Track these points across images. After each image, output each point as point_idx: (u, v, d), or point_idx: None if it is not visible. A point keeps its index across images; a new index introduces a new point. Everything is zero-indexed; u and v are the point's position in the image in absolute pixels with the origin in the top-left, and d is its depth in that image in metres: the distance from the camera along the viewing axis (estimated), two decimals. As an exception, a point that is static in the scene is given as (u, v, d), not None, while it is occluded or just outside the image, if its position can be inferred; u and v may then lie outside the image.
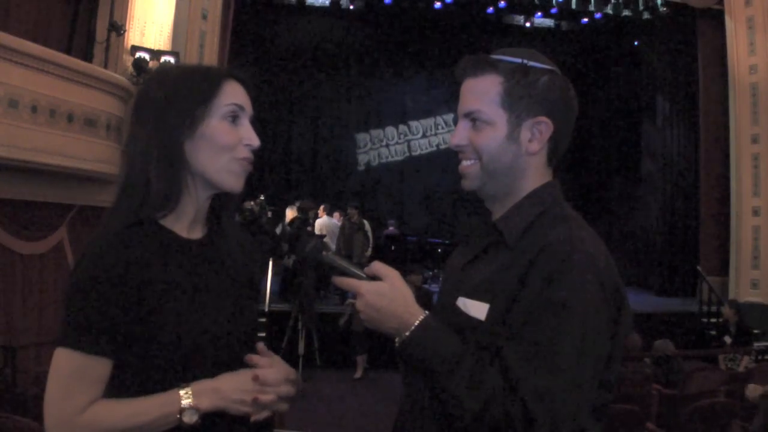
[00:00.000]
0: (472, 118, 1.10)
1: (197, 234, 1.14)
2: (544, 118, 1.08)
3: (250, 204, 5.95)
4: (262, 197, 6.98)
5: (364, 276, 1.07)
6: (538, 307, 0.96)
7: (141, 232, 1.05)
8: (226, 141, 1.09)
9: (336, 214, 9.25)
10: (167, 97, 1.08)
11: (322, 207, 9.10)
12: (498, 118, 1.08)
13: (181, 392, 1.01)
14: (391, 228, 10.26)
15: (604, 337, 0.98)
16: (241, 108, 1.12)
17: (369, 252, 8.39)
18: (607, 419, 1.04)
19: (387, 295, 1.03)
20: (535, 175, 1.12)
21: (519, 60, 1.09)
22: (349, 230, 8.24)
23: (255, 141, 1.12)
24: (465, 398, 0.95)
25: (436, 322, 1.04)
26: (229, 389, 1.03)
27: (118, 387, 1.02)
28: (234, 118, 1.10)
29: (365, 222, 8.45)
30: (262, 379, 1.05)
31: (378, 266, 1.07)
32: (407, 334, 1.02)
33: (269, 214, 6.97)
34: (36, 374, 4.62)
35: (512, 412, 0.93)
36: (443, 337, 1.01)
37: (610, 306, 0.99)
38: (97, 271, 0.99)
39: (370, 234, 8.44)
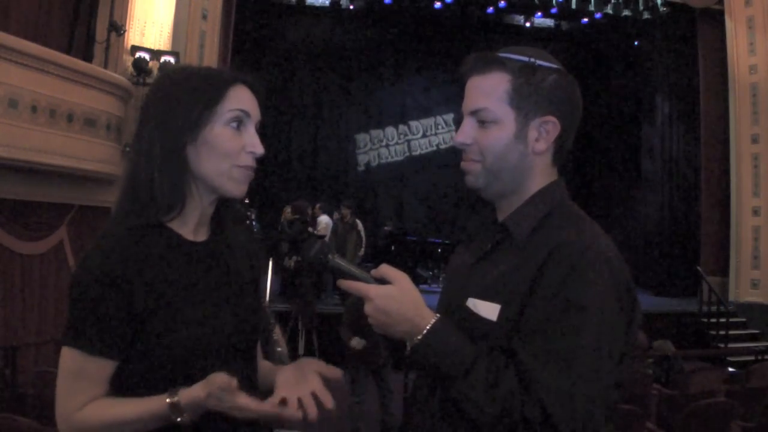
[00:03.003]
0: (479, 116, 1.09)
1: (202, 236, 1.14)
2: (551, 118, 1.07)
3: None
4: (246, 200, 6.97)
5: (372, 279, 1.05)
6: (554, 308, 0.96)
7: (145, 234, 1.05)
8: (228, 147, 1.07)
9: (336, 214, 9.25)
10: (172, 100, 1.07)
11: (318, 206, 9.08)
12: (505, 116, 1.07)
13: (170, 399, 0.97)
14: (387, 228, 10.27)
15: (620, 336, 0.98)
16: (247, 114, 1.10)
17: (362, 252, 8.38)
18: (615, 417, 1.04)
19: (397, 298, 1.02)
20: (541, 174, 1.11)
21: (527, 58, 1.08)
22: (342, 230, 8.23)
23: (259, 149, 1.10)
24: (482, 402, 0.94)
25: (449, 324, 1.02)
26: (219, 405, 0.97)
27: (123, 385, 1.03)
28: (239, 125, 1.09)
29: (358, 222, 8.44)
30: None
31: (386, 269, 1.05)
32: (419, 338, 1.00)
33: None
34: (36, 374, 4.61)
35: (531, 415, 0.92)
36: (456, 340, 1.00)
37: (624, 305, 0.99)
38: (101, 271, 0.99)
39: (363, 234, 8.43)
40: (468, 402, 0.96)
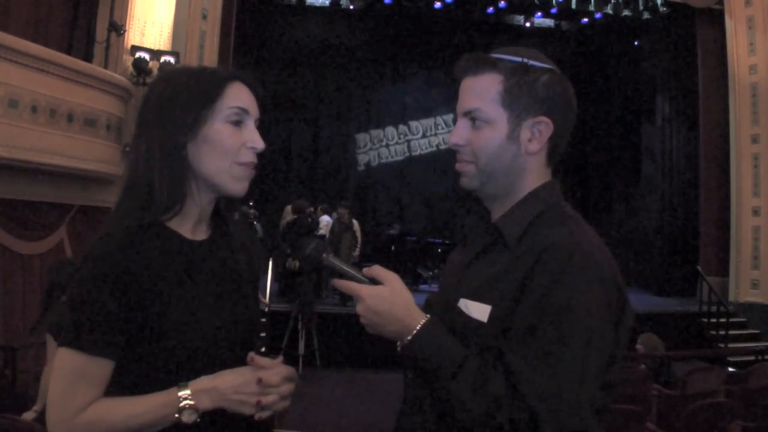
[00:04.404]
0: (472, 117, 1.09)
1: (202, 235, 1.14)
2: (544, 118, 1.07)
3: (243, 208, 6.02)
4: (251, 203, 7.03)
5: (365, 279, 1.06)
6: (542, 310, 0.96)
7: (145, 234, 1.05)
8: (228, 144, 1.07)
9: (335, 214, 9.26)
10: (170, 99, 1.07)
11: (320, 207, 9.11)
12: (498, 117, 1.08)
13: (180, 392, 1.00)
14: (393, 232, 10.30)
15: (608, 338, 0.98)
16: (245, 111, 1.10)
17: (357, 252, 8.38)
18: (607, 419, 1.04)
19: (387, 298, 1.03)
20: (534, 175, 1.11)
21: (519, 59, 1.08)
22: (338, 229, 8.24)
23: (259, 144, 1.10)
24: (469, 402, 0.95)
25: (438, 325, 1.03)
26: (229, 389, 1.02)
27: (120, 386, 1.02)
28: (238, 121, 1.09)
29: (354, 222, 8.44)
30: (265, 381, 1.05)
31: (378, 270, 1.06)
32: (409, 338, 1.01)
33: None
34: (36, 374, 4.61)
35: (517, 416, 0.92)
36: (446, 340, 1.01)
37: (613, 306, 0.99)
38: (100, 271, 0.99)
39: (358, 234, 8.43)
40: (456, 402, 0.96)
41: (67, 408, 0.98)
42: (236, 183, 1.10)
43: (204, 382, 1.02)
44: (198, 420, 1.01)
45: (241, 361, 1.08)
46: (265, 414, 1.06)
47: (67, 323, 1.00)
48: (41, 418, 2.81)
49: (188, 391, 1.00)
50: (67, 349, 0.99)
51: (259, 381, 1.04)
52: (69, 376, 0.99)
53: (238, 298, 1.14)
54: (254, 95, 1.13)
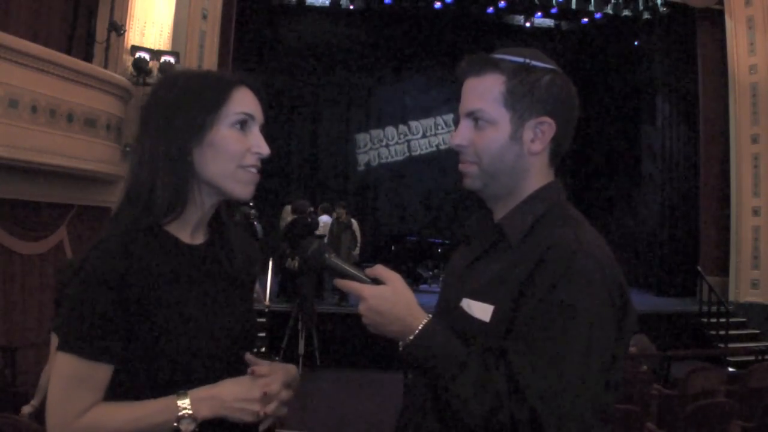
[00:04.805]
0: (475, 117, 1.09)
1: (199, 239, 1.13)
2: (546, 118, 1.07)
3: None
4: (251, 204, 7.05)
5: (367, 279, 1.06)
6: (544, 309, 0.96)
7: (144, 238, 1.04)
8: (234, 149, 1.07)
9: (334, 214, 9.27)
10: (176, 103, 1.06)
11: (320, 207, 9.12)
12: (501, 117, 1.08)
13: (179, 401, 0.99)
14: (413, 238, 10.34)
15: (610, 338, 0.98)
16: (251, 117, 1.10)
17: (357, 251, 8.38)
18: (611, 419, 1.04)
19: (389, 298, 1.03)
20: (537, 175, 1.11)
21: (521, 59, 1.08)
22: (337, 229, 8.25)
23: (264, 149, 1.10)
24: (471, 402, 0.95)
25: (440, 325, 1.03)
26: (230, 398, 1.02)
27: (120, 390, 1.02)
28: (243, 126, 1.09)
29: (353, 221, 8.46)
30: (269, 393, 1.04)
31: (380, 269, 1.06)
32: (411, 338, 1.01)
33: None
34: (36, 374, 4.61)
35: (519, 416, 0.92)
36: (448, 340, 1.01)
37: (616, 306, 0.99)
38: (99, 276, 0.99)
39: (357, 234, 8.45)
40: (457, 402, 0.96)
41: (67, 412, 0.98)
42: (242, 187, 1.10)
43: (204, 391, 1.01)
44: (196, 430, 1.00)
45: (238, 365, 1.08)
46: (267, 423, 1.06)
47: (65, 328, 0.99)
48: (38, 413, 2.81)
49: (187, 400, 1.00)
50: (66, 354, 0.99)
51: (264, 395, 1.04)
52: (68, 380, 0.99)
53: (234, 302, 1.13)
54: (259, 100, 1.13)
